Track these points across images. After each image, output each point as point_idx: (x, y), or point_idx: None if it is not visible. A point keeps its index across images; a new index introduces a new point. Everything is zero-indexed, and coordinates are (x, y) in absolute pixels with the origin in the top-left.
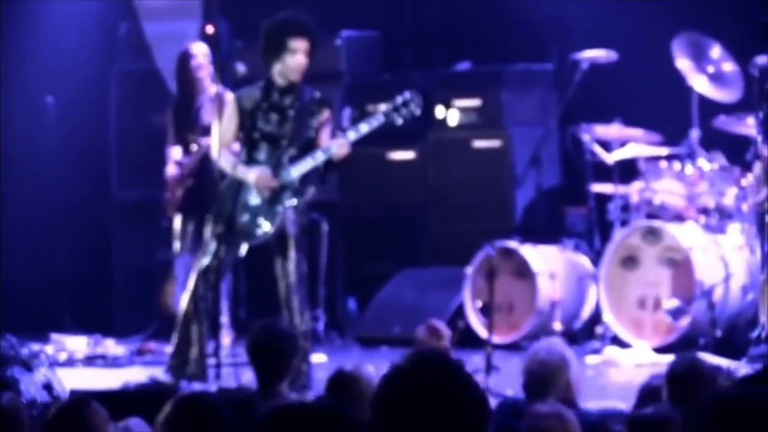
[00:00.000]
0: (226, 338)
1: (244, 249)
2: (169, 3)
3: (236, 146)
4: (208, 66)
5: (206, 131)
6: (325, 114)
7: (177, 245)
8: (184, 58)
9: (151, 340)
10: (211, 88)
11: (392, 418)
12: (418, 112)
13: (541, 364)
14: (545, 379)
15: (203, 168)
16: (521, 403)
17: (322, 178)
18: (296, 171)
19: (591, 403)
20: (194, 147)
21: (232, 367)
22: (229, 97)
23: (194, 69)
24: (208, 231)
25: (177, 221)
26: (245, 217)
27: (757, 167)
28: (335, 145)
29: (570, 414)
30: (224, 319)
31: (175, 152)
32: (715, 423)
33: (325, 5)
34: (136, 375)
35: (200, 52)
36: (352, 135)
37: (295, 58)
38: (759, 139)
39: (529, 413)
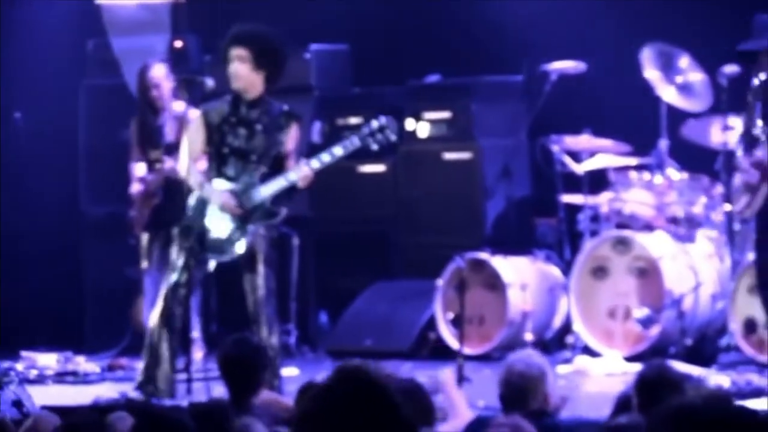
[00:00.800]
0: (198, 353)
1: (212, 264)
2: (138, 18)
3: (202, 163)
4: (167, 84)
5: (169, 149)
6: (294, 128)
7: (145, 262)
8: (141, 76)
9: (122, 356)
10: (174, 105)
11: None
12: (393, 137)
13: (519, 375)
14: (523, 391)
15: (168, 185)
16: (489, 417)
17: (288, 197)
18: (266, 191)
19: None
20: (159, 165)
21: (203, 382)
22: (195, 113)
23: (150, 88)
24: (176, 246)
25: (144, 239)
26: (216, 234)
27: (737, 178)
28: (302, 174)
29: (530, 427)
30: (195, 334)
31: (139, 169)
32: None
33: (294, 19)
34: (107, 391)
35: (157, 72)
36: (326, 158)
37: (232, 66)
38: (739, 149)
39: (491, 424)
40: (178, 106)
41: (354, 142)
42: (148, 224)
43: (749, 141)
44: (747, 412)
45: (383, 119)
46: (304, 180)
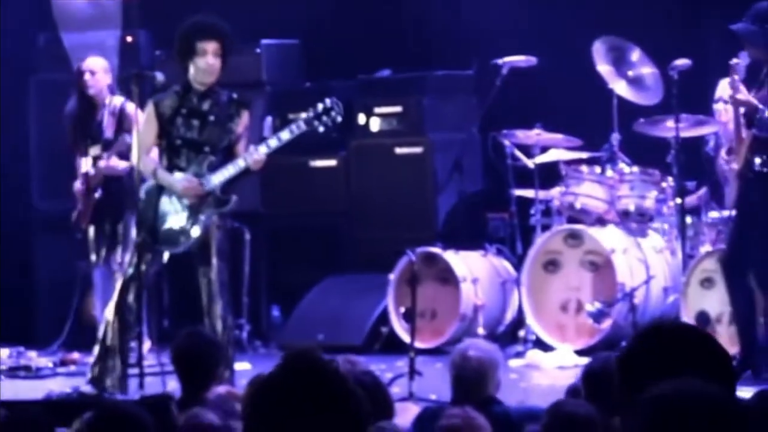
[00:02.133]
0: (145, 345)
1: (166, 256)
2: (89, 13)
3: (153, 154)
4: (104, 79)
5: (107, 145)
6: (245, 115)
7: (93, 256)
8: (78, 73)
9: (69, 348)
10: (113, 100)
11: (261, 422)
12: (339, 119)
13: (476, 363)
14: (479, 379)
15: (107, 182)
16: (440, 408)
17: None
18: (217, 179)
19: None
20: (101, 162)
21: (156, 376)
22: (131, 107)
23: (84, 85)
24: (129, 237)
25: (90, 233)
26: (168, 225)
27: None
28: (252, 158)
29: (481, 418)
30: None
31: (84, 164)
32: (656, 419)
33: (245, 14)
34: (59, 386)
35: (89, 68)
36: (273, 143)
37: (204, 60)
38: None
39: (442, 414)
40: (116, 100)
41: (300, 125)
42: (92, 218)
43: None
44: (727, 398)
45: (328, 101)
46: (256, 164)
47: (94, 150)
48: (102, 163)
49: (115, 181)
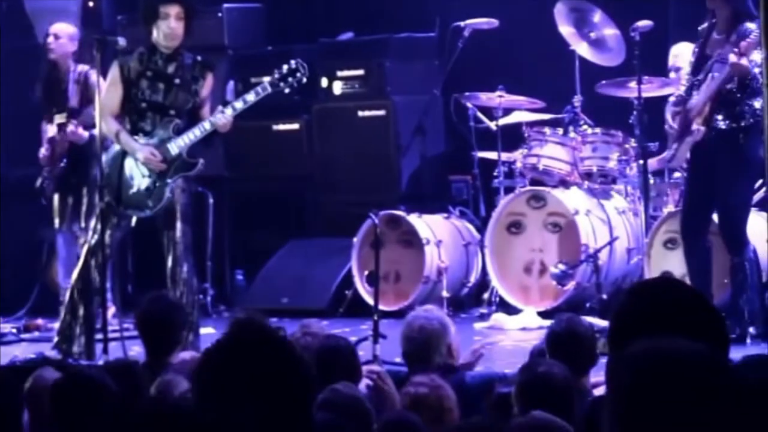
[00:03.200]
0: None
1: (133, 221)
2: None
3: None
4: (69, 46)
5: (72, 113)
6: (209, 78)
7: (56, 222)
8: (44, 37)
9: (33, 314)
10: (77, 67)
11: (210, 389)
12: (304, 80)
13: (420, 331)
14: (425, 346)
15: (73, 149)
16: (403, 374)
17: (206, 144)
18: (183, 143)
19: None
20: (68, 127)
21: (120, 342)
22: (94, 74)
23: (47, 49)
24: (93, 204)
25: (55, 199)
26: (133, 190)
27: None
28: (220, 120)
29: (447, 387)
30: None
31: (50, 131)
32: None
33: None
34: (23, 352)
35: (54, 31)
36: (239, 105)
37: (167, 23)
38: (674, 97)
39: (408, 382)
40: (81, 68)
41: (266, 86)
42: (57, 184)
43: (688, 87)
44: (712, 356)
45: (293, 62)
46: (224, 127)
47: (60, 117)
48: (69, 128)
49: (79, 150)
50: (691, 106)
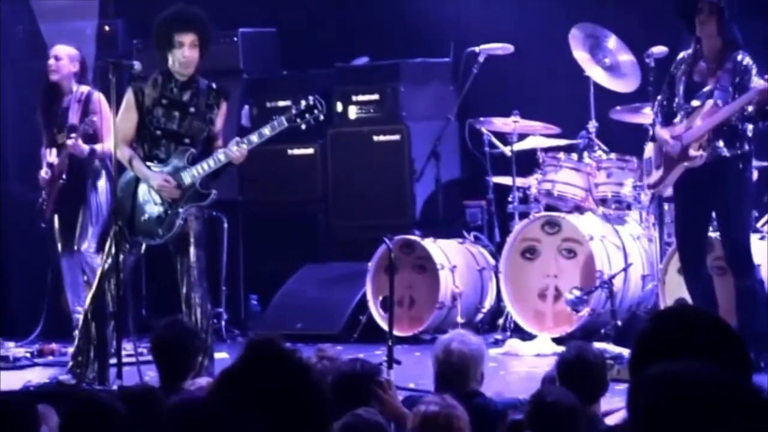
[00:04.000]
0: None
1: (143, 247)
2: (67, 3)
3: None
4: (69, 67)
5: (72, 129)
6: (223, 106)
7: (59, 246)
8: (48, 61)
9: (46, 337)
10: (80, 88)
11: (226, 409)
12: (321, 117)
13: (458, 356)
14: (462, 372)
15: (72, 165)
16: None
17: (216, 175)
18: (197, 173)
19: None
20: (68, 141)
21: (134, 366)
22: (98, 95)
23: (48, 70)
24: (86, 225)
25: (55, 221)
26: (144, 217)
27: (648, 148)
28: (234, 153)
29: (460, 408)
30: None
31: (50, 155)
32: (656, 397)
33: (222, 3)
34: (37, 376)
35: (55, 53)
36: (254, 139)
37: (181, 52)
38: (657, 120)
39: (419, 401)
40: (83, 89)
41: (282, 122)
42: (56, 207)
43: (667, 113)
44: (732, 381)
45: (311, 99)
46: (237, 160)
47: (61, 138)
48: (69, 142)
49: (78, 167)
50: (682, 132)
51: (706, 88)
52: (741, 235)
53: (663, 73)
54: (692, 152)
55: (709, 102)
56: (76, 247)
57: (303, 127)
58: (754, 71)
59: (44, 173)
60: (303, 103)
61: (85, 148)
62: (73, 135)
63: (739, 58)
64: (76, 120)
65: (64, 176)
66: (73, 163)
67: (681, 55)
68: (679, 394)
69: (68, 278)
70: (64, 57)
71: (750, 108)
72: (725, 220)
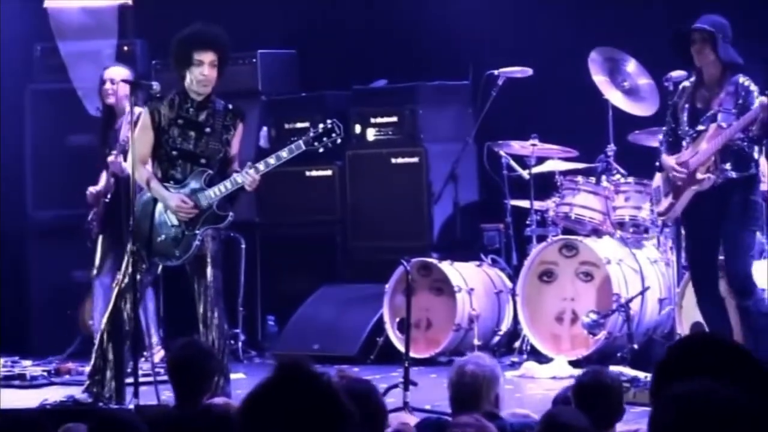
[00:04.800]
0: (158, 356)
1: (159, 268)
2: (86, 23)
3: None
4: (122, 88)
5: (121, 149)
6: (239, 127)
7: (96, 267)
8: (100, 82)
9: (70, 360)
10: (134, 108)
11: (253, 429)
12: (339, 140)
13: (471, 377)
14: (475, 393)
15: (118, 183)
16: (444, 420)
17: (234, 198)
18: (214, 194)
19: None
20: (110, 158)
21: (151, 386)
22: (141, 111)
23: (103, 94)
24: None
25: (99, 243)
26: (163, 237)
27: (657, 177)
28: (248, 178)
29: (492, 427)
30: (155, 337)
31: (103, 178)
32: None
33: (242, 24)
34: (54, 395)
35: (110, 76)
36: (272, 161)
37: (200, 70)
38: (662, 149)
39: (452, 422)
40: (138, 109)
41: (300, 145)
42: (102, 226)
43: (673, 142)
44: (752, 403)
45: (329, 122)
46: (252, 184)
47: (112, 158)
48: (110, 159)
49: (120, 184)
50: (688, 157)
51: (710, 113)
52: (745, 258)
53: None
54: (699, 175)
55: (713, 125)
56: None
57: (321, 150)
58: (756, 92)
59: (91, 192)
60: (321, 126)
61: (126, 165)
62: (113, 152)
63: (741, 80)
64: (124, 139)
65: (108, 196)
66: (117, 180)
67: (683, 84)
68: (704, 411)
69: (102, 300)
70: (116, 80)
71: (754, 128)
72: (728, 242)
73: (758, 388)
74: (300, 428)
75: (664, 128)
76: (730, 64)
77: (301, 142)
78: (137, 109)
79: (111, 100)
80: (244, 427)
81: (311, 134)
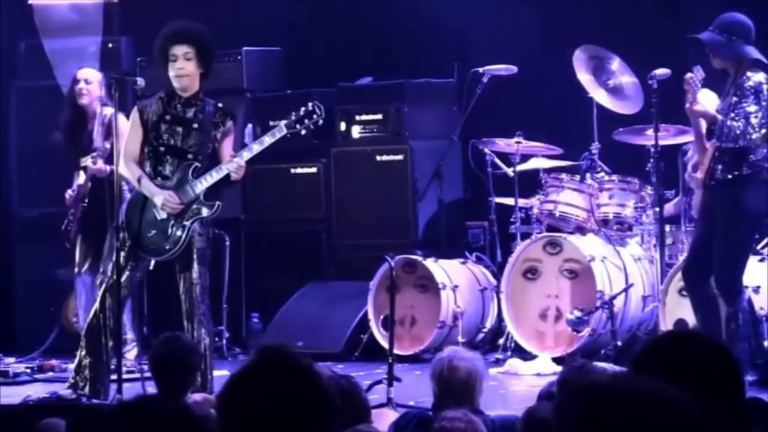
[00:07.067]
0: (132, 352)
1: (151, 264)
2: (70, 19)
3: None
4: (96, 90)
5: (96, 150)
6: (228, 124)
7: (77, 266)
8: (72, 83)
9: (49, 356)
10: (104, 110)
11: (234, 414)
12: (320, 122)
13: (461, 374)
14: (468, 388)
15: (94, 186)
16: (425, 414)
17: (216, 192)
18: (201, 186)
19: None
20: (89, 161)
21: (135, 382)
22: (122, 119)
23: (78, 94)
24: (113, 246)
25: (78, 243)
26: (152, 233)
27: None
28: (232, 165)
29: (480, 423)
30: (129, 334)
31: (79, 178)
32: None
33: (227, 22)
34: (37, 391)
35: (84, 76)
36: (255, 147)
37: (174, 65)
38: (691, 160)
39: (439, 417)
40: (107, 111)
41: (281, 128)
42: (80, 227)
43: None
44: (655, 389)
45: (310, 105)
46: (237, 172)
47: (86, 160)
48: (89, 162)
49: (101, 189)
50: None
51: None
52: (731, 262)
53: (665, 95)
54: (698, 175)
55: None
56: (101, 269)
57: (303, 132)
58: (747, 84)
59: (69, 194)
60: (302, 109)
61: (105, 168)
62: (93, 155)
63: (743, 80)
64: (100, 142)
65: (86, 199)
66: (96, 185)
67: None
68: (612, 405)
69: (82, 298)
70: (94, 81)
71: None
72: (718, 244)
73: (726, 388)
74: (281, 411)
75: None
76: (740, 60)
77: (282, 125)
78: (108, 110)
79: (84, 100)
80: (226, 410)
81: (293, 117)
